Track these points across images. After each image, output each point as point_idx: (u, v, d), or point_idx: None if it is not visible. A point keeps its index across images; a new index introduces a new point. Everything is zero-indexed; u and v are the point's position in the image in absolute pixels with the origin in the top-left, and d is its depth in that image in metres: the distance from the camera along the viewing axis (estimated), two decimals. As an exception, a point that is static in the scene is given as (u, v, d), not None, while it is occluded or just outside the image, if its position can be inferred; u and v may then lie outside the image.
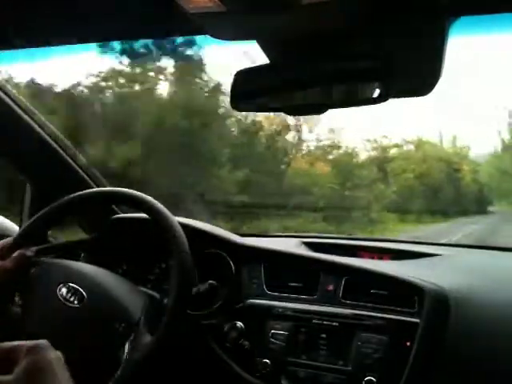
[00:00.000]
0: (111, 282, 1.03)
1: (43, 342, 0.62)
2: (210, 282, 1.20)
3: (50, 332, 0.92)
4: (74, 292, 0.96)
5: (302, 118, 8.79)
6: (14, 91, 1.27)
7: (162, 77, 6.57)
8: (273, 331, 1.14)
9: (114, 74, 5.78)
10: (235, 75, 0.83)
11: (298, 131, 9.01)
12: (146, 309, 1.00)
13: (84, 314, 0.94)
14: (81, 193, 1.11)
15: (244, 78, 0.84)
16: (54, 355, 0.62)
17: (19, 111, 1.27)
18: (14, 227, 1.49)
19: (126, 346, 0.93)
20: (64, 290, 0.96)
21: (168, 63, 6.32)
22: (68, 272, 1.02)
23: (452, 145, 13.20)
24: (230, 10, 0.65)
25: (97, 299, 0.97)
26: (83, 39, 1.02)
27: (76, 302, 0.95)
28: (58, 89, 5.44)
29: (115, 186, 1.17)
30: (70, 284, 0.97)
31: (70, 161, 1.43)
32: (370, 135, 10.71)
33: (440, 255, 1.34)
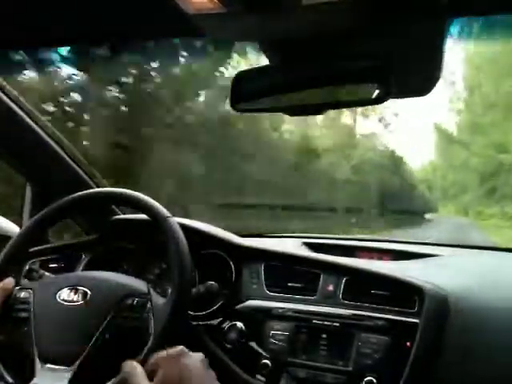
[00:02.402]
0: (111, 275, 1.04)
1: (179, 348, 0.65)
2: (210, 282, 1.20)
3: (64, 336, 0.92)
4: (75, 292, 0.96)
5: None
6: (15, 92, 1.27)
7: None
8: (273, 332, 1.14)
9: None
10: (235, 76, 0.84)
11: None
12: (151, 286, 1.01)
13: (92, 306, 0.95)
14: (81, 193, 1.11)
15: (244, 79, 0.84)
16: (189, 360, 0.64)
17: (19, 112, 1.27)
18: (14, 227, 1.49)
19: (151, 316, 0.95)
20: (64, 294, 0.96)
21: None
22: (62, 280, 1.02)
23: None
24: (230, 11, 0.65)
25: (101, 290, 0.97)
26: (83, 40, 1.02)
27: (80, 299, 0.95)
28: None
29: (115, 187, 1.17)
30: (69, 287, 0.97)
31: (70, 161, 1.43)
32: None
33: (439, 256, 1.34)
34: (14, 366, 0.96)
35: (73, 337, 0.93)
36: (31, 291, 1.00)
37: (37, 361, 0.92)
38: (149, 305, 0.96)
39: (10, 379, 0.94)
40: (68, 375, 0.89)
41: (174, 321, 0.95)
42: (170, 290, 0.99)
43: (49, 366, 0.91)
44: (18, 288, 1.01)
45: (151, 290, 0.99)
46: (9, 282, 1.02)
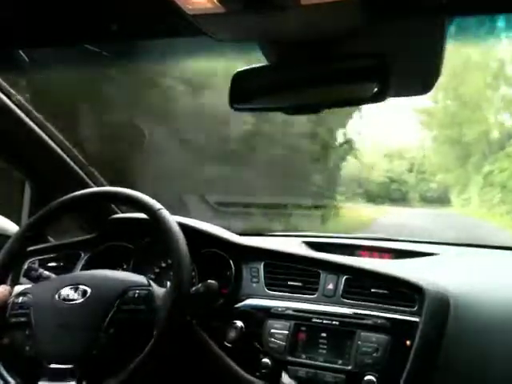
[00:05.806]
0: (110, 272, 1.04)
1: None
2: (210, 281, 1.20)
3: (68, 335, 0.92)
4: (75, 290, 0.96)
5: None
6: (14, 91, 1.27)
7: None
8: (273, 330, 1.14)
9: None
10: (234, 75, 0.83)
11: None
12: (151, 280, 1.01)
13: (93, 303, 0.94)
14: (80, 192, 1.11)
15: (243, 79, 0.84)
16: None
17: (19, 112, 1.28)
18: (14, 227, 1.49)
19: (154, 306, 0.95)
20: (64, 293, 0.96)
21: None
22: (61, 280, 1.02)
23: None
24: (229, 11, 0.65)
25: (101, 286, 0.97)
26: (83, 40, 1.02)
27: (80, 297, 0.95)
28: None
29: (115, 186, 1.17)
30: (68, 286, 0.97)
31: (70, 161, 1.43)
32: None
33: (440, 254, 1.34)
34: (16, 368, 0.96)
35: (76, 335, 0.93)
36: (30, 295, 0.99)
37: (42, 362, 0.92)
38: (150, 295, 0.96)
39: (12, 380, 0.94)
40: (76, 374, 0.89)
41: (177, 308, 0.95)
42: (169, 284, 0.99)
43: (55, 366, 0.91)
44: (16, 293, 1.01)
45: (151, 282, 0.99)
46: (3, 290, 1.00)
